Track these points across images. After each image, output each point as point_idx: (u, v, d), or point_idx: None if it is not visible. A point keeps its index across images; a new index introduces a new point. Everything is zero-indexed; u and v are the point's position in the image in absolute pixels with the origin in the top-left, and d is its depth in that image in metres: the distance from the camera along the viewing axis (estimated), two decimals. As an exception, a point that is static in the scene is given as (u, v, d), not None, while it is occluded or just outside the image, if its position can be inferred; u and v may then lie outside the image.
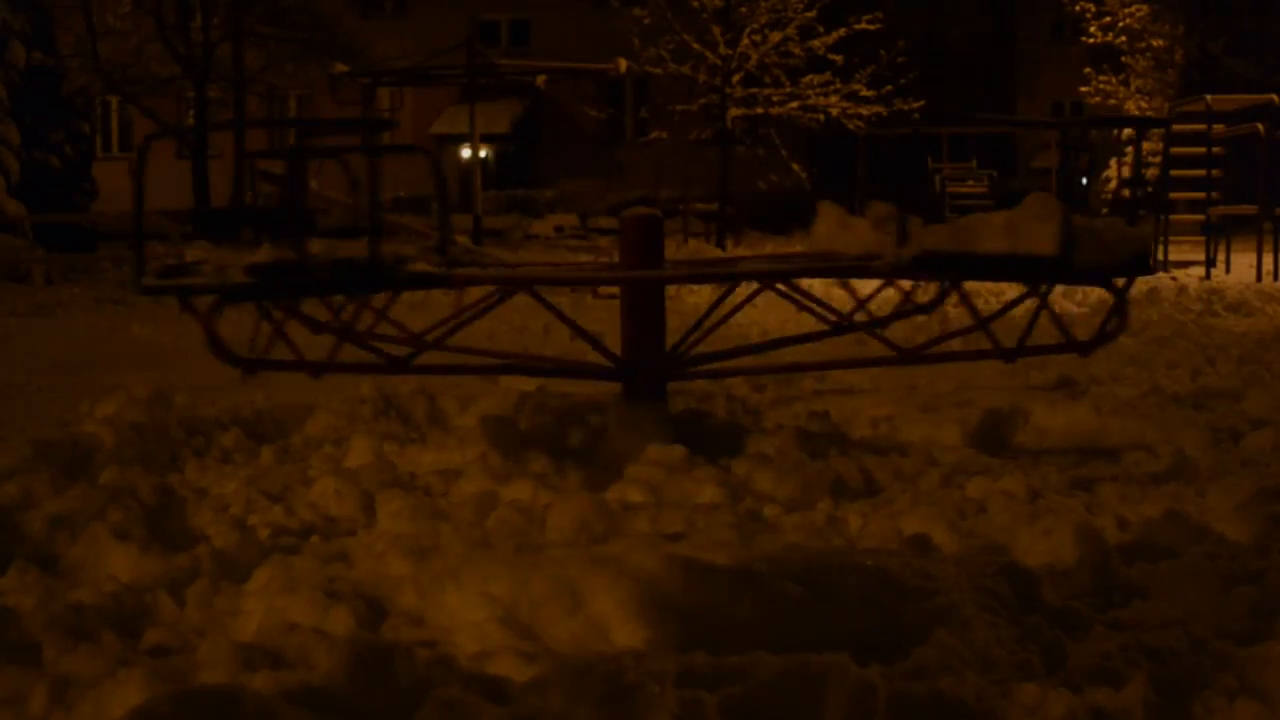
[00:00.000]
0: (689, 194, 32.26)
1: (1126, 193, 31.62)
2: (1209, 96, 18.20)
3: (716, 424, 5.58)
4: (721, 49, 30.82)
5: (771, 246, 25.24)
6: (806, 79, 31.40)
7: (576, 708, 2.43)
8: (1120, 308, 5.09)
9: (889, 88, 31.07)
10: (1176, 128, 19.84)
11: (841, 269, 5.37)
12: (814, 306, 5.75)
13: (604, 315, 6.68)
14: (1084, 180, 35.70)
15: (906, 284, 5.76)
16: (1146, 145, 31.82)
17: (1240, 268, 17.14)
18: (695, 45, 31.03)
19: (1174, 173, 19.16)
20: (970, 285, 5.46)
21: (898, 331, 6.53)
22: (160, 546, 3.82)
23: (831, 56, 30.86)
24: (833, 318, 5.70)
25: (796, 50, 31.14)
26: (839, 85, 31.31)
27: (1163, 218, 18.68)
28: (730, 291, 5.91)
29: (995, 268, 4.94)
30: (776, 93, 31.55)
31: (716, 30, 30.86)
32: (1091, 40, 33.94)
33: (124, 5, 34.47)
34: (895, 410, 6.01)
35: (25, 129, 21.81)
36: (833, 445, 5.25)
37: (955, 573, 3.25)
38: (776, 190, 35.60)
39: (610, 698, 2.43)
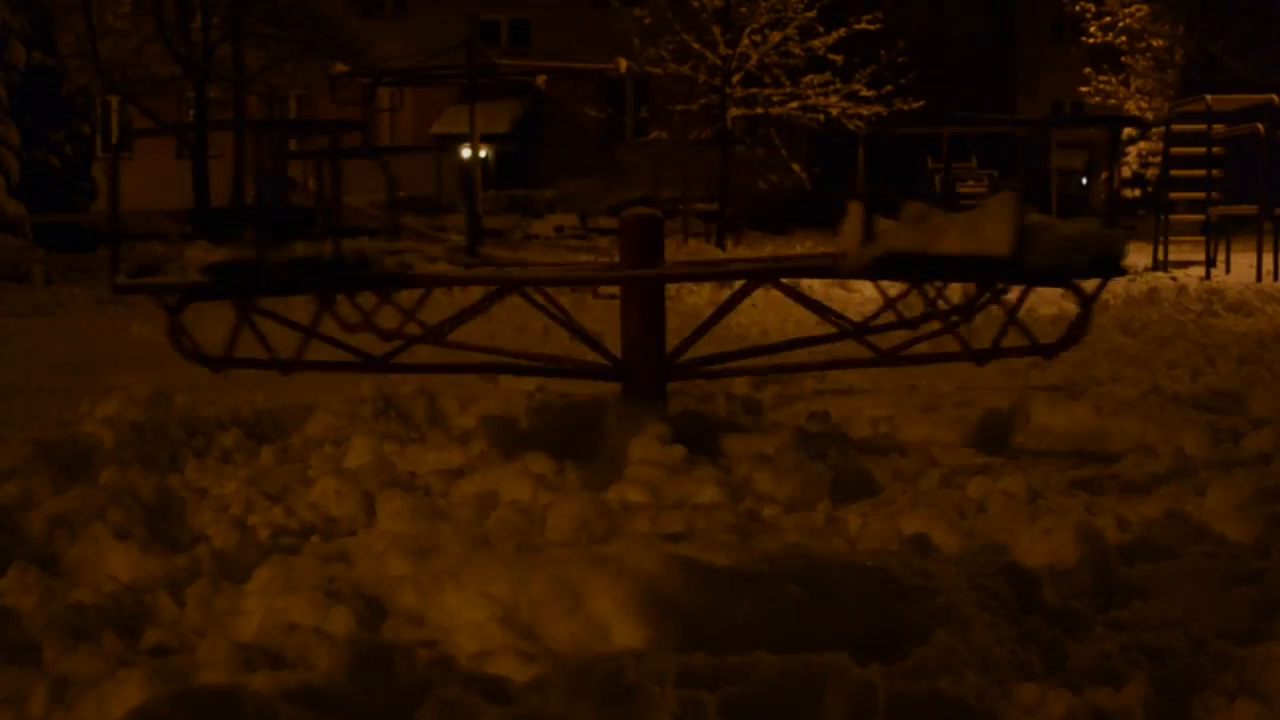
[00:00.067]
0: (689, 194, 32.24)
1: (1127, 193, 31.66)
2: (1209, 96, 18.19)
3: (716, 424, 5.57)
4: (721, 49, 30.81)
5: (772, 247, 25.22)
6: (806, 79, 31.39)
7: (576, 708, 2.43)
8: (1085, 309, 5.02)
9: (889, 88, 31.06)
10: (1176, 128, 19.84)
11: (806, 269, 5.35)
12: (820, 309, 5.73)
13: (604, 315, 6.67)
14: (1084, 180, 35.70)
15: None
16: (1145, 145, 31.90)
17: (1240, 268, 17.14)
18: (695, 45, 31.02)
19: (1174, 173, 19.16)
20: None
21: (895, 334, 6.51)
22: (160, 546, 3.83)
23: (831, 56, 30.86)
24: (831, 319, 5.68)
25: (796, 50, 31.13)
26: (839, 85, 31.30)
27: (1163, 218, 18.68)
28: (738, 295, 5.90)
29: (953, 268, 4.90)
30: (776, 93, 31.54)
31: (716, 30, 30.84)
32: (1091, 40, 33.93)
33: (124, 5, 34.44)
34: (895, 410, 6.01)
35: (25, 129, 21.82)
36: (833, 445, 5.25)
37: (955, 573, 3.25)
38: (776, 190, 35.60)
39: (610, 698, 2.43)
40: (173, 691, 2.42)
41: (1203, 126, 18.61)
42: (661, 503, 4.43)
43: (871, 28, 30.89)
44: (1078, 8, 34.58)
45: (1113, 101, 34.00)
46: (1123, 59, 33.86)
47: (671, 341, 5.65)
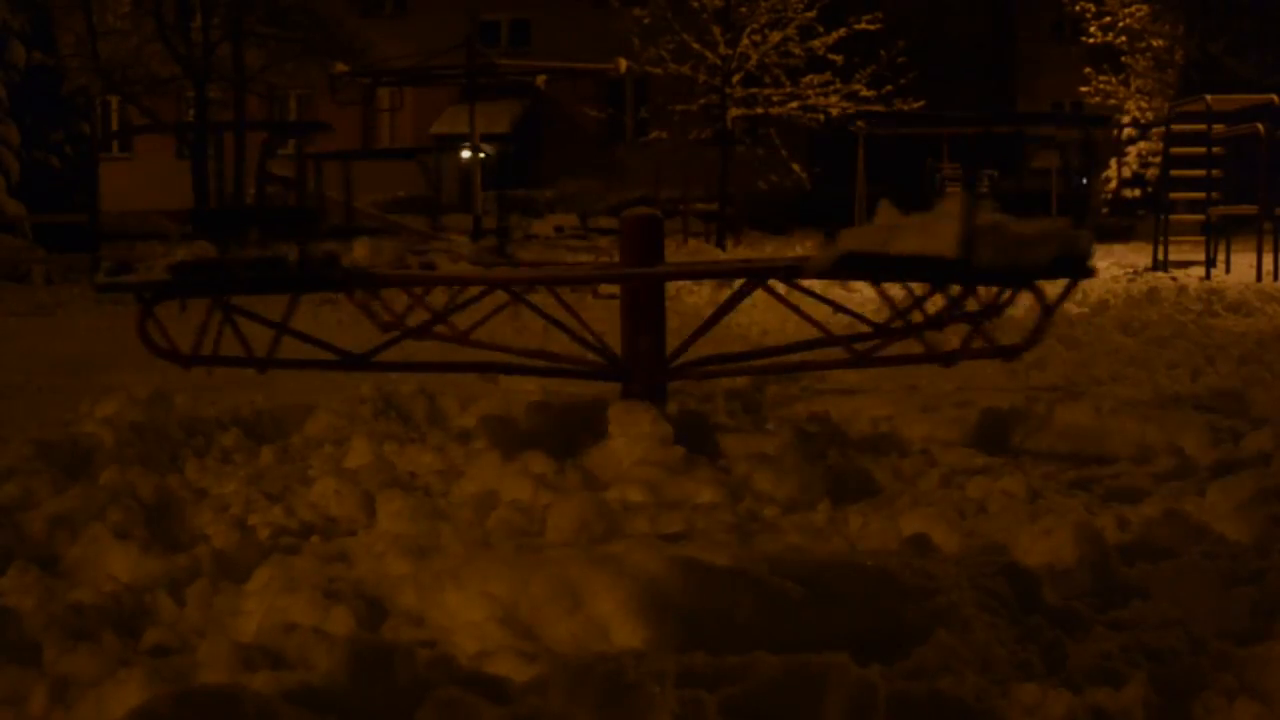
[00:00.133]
0: (689, 194, 32.26)
1: (1127, 193, 31.64)
2: (1209, 96, 18.19)
3: (716, 424, 5.57)
4: (721, 49, 30.83)
5: (772, 247, 25.23)
6: (806, 79, 31.42)
7: (576, 708, 2.43)
8: (1045, 311, 4.98)
9: (889, 88, 31.09)
10: (1176, 128, 19.85)
11: (777, 269, 5.35)
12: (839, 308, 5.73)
13: (604, 315, 6.67)
14: (1084, 180, 35.74)
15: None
16: (1145, 145, 31.90)
17: (1240, 268, 17.14)
18: (695, 45, 31.04)
19: (1174, 173, 19.16)
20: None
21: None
22: (160, 546, 3.83)
23: (831, 56, 30.89)
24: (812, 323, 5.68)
25: (796, 50, 31.16)
26: (839, 85, 31.33)
27: (1163, 218, 18.69)
28: (737, 295, 5.90)
29: (906, 268, 4.87)
30: (776, 93, 31.57)
31: (716, 30, 30.87)
32: (1091, 40, 33.95)
33: (124, 5, 34.42)
34: (895, 410, 6.01)
35: (25, 129, 21.82)
36: (833, 445, 5.25)
37: (955, 573, 3.25)
38: (776, 190, 35.62)
39: (610, 698, 2.43)
40: (173, 691, 2.42)
41: (1203, 126, 18.62)
42: (661, 503, 4.43)
43: (871, 27, 30.92)
44: (1078, 8, 34.60)
45: (1112, 101, 34.02)
46: (1123, 59, 33.88)
47: (671, 342, 5.65)
